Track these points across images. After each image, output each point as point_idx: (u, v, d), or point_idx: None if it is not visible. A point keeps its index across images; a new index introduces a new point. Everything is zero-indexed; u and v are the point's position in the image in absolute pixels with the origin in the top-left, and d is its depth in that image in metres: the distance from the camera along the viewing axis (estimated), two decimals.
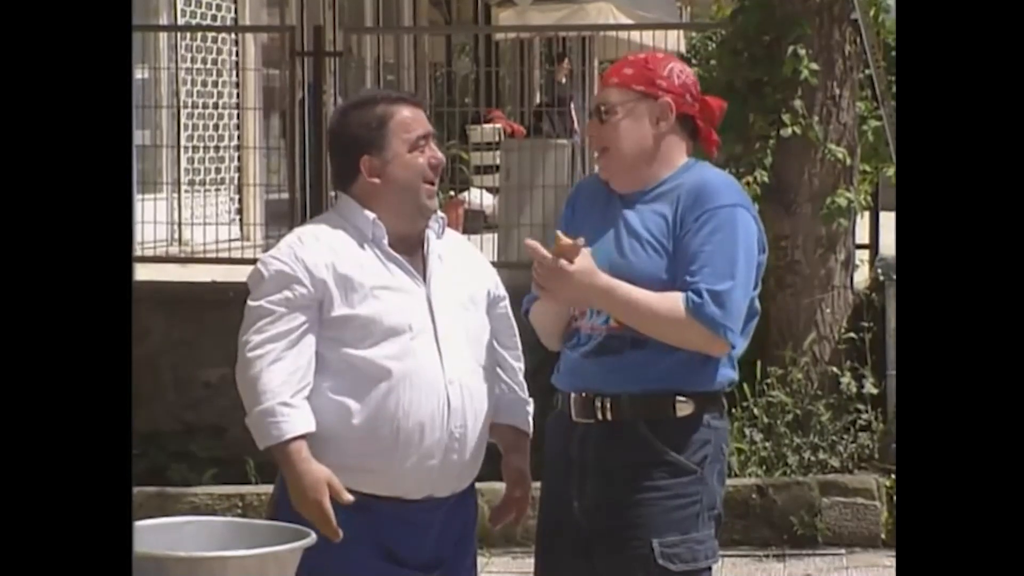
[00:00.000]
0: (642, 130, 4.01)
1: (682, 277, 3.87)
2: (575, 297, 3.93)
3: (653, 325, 3.88)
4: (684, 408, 3.93)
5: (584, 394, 3.97)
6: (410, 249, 4.07)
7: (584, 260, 3.87)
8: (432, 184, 4.07)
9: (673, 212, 3.93)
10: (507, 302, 4.24)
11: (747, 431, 8.18)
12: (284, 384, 3.91)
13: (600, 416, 3.96)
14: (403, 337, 3.96)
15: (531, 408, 4.28)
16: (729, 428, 4.15)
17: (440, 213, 4.14)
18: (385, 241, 4.03)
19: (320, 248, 4.00)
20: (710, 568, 3.99)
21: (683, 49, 15.97)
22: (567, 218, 4.14)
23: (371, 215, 4.03)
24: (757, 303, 4.02)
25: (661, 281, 3.89)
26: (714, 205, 3.91)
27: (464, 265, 4.15)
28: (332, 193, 11.39)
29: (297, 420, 3.90)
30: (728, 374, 3.99)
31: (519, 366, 4.28)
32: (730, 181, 4.06)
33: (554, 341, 4.12)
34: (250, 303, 4.01)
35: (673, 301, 3.85)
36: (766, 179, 8.40)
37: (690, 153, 4.07)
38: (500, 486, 4.29)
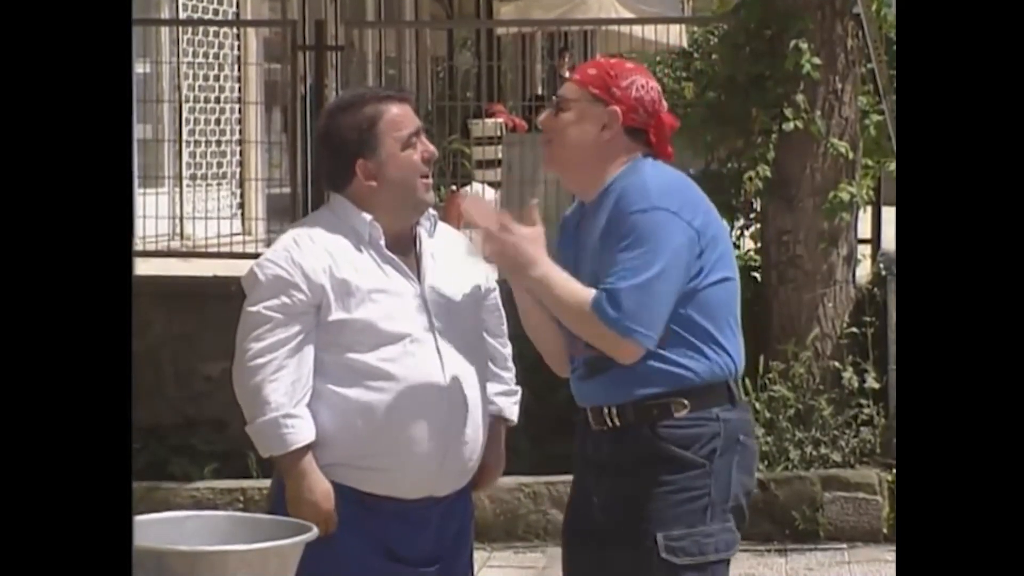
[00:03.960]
0: (586, 132, 3.98)
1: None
2: (514, 260, 3.87)
3: (566, 311, 3.88)
4: (680, 408, 3.93)
5: (594, 406, 3.99)
6: (404, 248, 4.06)
7: (536, 229, 3.85)
8: (427, 177, 4.07)
9: (604, 223, 3.91)
10: (497, 292, 4.25)
11: None
12: (288, 395, 3.92)
13: (609, 423, 3.97)
14: (403, 341, 3.96)
15: (517, 397, 4.30)
16: (747, 417, 4.12)
17: (432, 211, 4.13)
18: (382, 242, 4.02)
19: (317, 251, 3.98)
20: (726, 561, 3.99)
21: (685, 43, 15.98)
22: (562, 241, 4.13)
23: (368, 217, 4.02)
24: (719, 275, 3.93)
25: None
26: (627, 212, 3.86)
27: (457, 262, 4.14)
28: None
29: (303, 430, 3.93)
30: (723, 366, 3.96)
31: (507, 352, 4.30)
32: (652, 181, 3.94)
33: (557, 365, 4.11)
34: (248, 308, 3.99)
35: (586, 294, 3.85)
36: (768, 174, 8.40)
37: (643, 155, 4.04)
38: (500, 481, 4.30)
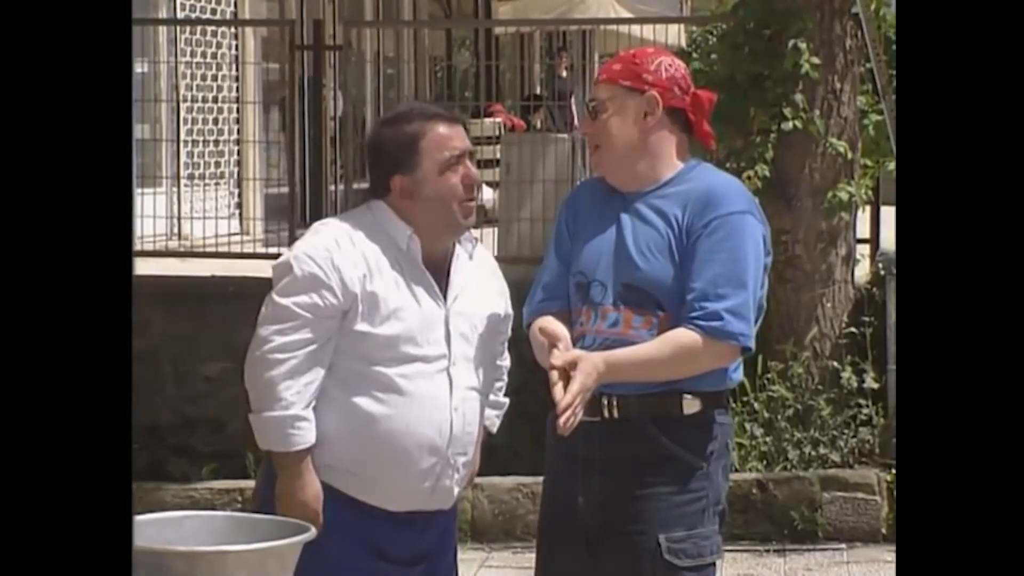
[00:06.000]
0: (630, 125, 3.99)
1: (690, 285, 3.86)
2: (594, 384, 3.86)
3: (673, 369, 3.87)
4: (691, 406, 3.93)
5: (591, 392, 3.93)
6: (438, 266, 4.04)
7: (584, 362, 3.80)
8: (469, 202, 4.01)
9: (681, 216, 3.91)
10: (511, 318, 4.23)
11: (748, 426, 8.18)
12: (300, 395, 3.90)
13: (607, 414, 3.95)
14: (418, 361, 3.95)
15: (503, 411, 4.31)
16: (732, 423, 4.16)
17: (473, 232, 4.10)
18: (419, 256, 4.00)
19: (356, 257, 3.94)
20: (715, 564, 3.99)
21: (683, 43, 15.97)
22: (566, 222, 4.12)
23: (408, 229, 3.98)
24: (764, 301, 4.02)
25: (670, 287, 3.88)
26: (723, 212, 3.89)
27: (485, 288, 4.13)
28: (332, 187, 11.42)
29: (308, 432, 3.92)
30: (737, 372, 4.01)
31: (505, 365, 4.29)
32: (738, 186, 4.05)
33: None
34: (277, 299, 3.94)
35: (683, 339, 3.84)
36: (767, 173, 8.39)
37: (686, 149, 4.06)
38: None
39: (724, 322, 3.82)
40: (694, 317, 3.84)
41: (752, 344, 3.89)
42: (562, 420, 3.71)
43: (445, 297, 4.02)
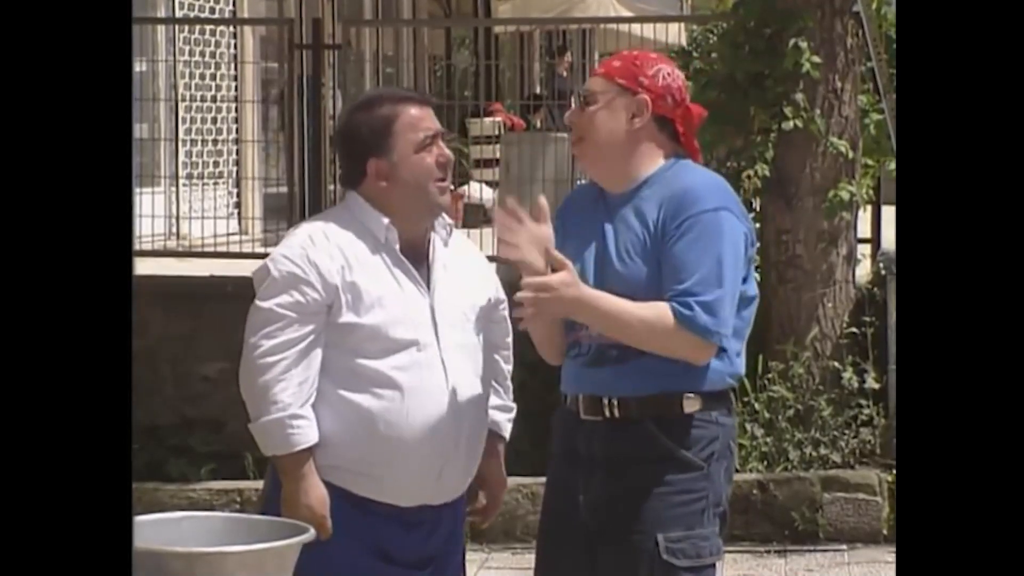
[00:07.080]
0: (616, 123, 3.99)
1: (668, 286, 3.85)
2: (558, 311, 3.89)
3: (639, 336, 3.85)
4: (692, 404, 3.92)
5: (591, 395, 3.96)
6: (417, 254, 4.05)
7: (566, 273, 3.83)
8: (443, 181, 4.05)
9: (656, 217, 3.90)
10: (505, 305, 4.22)
11: (748, 426, 8.17)
12: (295, 395, 3.90)
13: (608, 414, 3.95)
14: (409, 350, 3.95)
15: (512, 414, 4.30)
16: (735, 425, 4.14)
17: (447, 219, 4.11)
18: (397, 246, 4.01)
19: (332, 251, 3.96)
20: (714, 565, 3.98)
21: (684, 42, 15.98)
22: (558, 228, 4.11)
23: (385, 220, 4.00)
24: (755, 288, 4.01)
25: (647, 289, 3.88)
26: (696, 211, 3.88)
27: (468, 273, 4.13)
28: (331, 187, 11.41)
29: (308, 432, 3.92)
30: (735, 370, 3.99)
31: (508, 368, 4.29)
32: (712, 182, 4.02)
33: (552, 354, 4.09)
34: (259, 304, 3.97)
35: (659, 311, 3.82)
36: (767, 173, 8.38)
37: (670, 153, 4.04)
38: None
39: (694, 314, 3.81)
40: (673, 299, 3.83)
41: (722, 342, 3.87)
42: (516, 298, 3.76)
43: (428, 285, 4.02)
